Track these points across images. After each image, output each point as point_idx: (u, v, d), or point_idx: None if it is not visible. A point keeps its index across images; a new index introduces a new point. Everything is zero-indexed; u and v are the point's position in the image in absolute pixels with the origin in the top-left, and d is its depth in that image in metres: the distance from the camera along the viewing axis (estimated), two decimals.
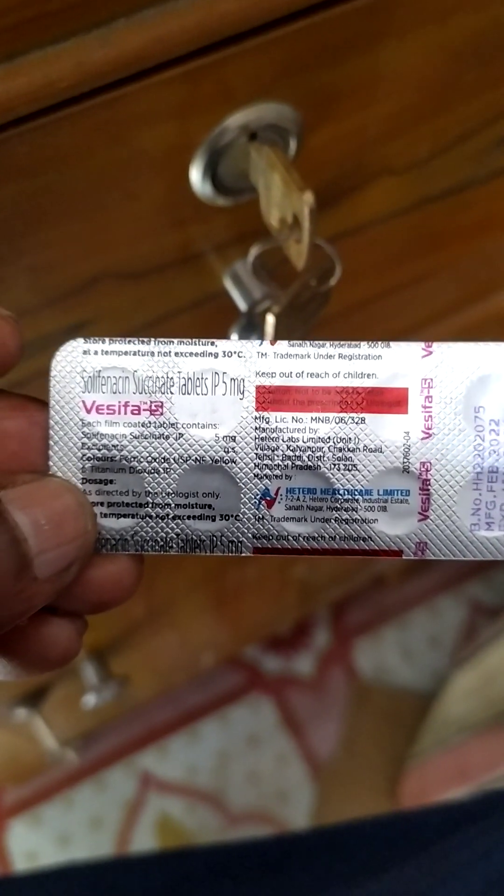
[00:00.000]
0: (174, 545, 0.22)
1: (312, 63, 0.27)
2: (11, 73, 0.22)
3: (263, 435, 0.22)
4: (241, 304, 0.32)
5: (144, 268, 0.31)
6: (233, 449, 0.22)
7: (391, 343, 0.22)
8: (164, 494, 0.22)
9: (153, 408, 0.22)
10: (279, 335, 0.30)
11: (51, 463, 0.22)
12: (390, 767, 0.97)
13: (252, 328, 0.32)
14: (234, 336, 0.32)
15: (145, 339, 0.22)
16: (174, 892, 0.47)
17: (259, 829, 0.96)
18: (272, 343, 0.22)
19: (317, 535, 0.22)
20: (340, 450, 0.22)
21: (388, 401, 0.22)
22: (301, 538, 0.22)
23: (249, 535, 0.22)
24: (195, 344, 0.22)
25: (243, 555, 0.22)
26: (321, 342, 0.22)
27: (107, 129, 0.25)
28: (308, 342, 0.22)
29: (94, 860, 0.50)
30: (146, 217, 0.29)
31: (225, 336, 0.33)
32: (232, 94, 0.26)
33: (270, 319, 0.30)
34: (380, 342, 0.22)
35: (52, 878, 0.49)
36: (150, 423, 0.22)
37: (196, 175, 0.28)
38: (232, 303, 0.33)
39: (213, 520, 0.22)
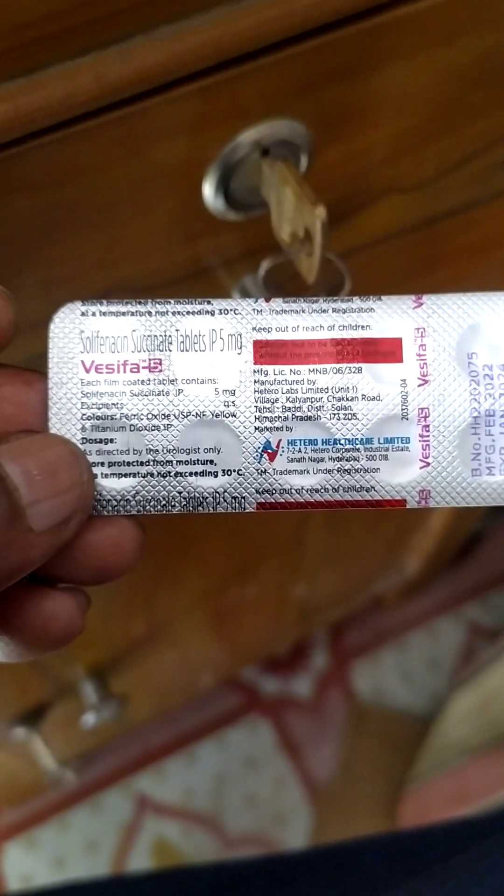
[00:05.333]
0: (177, 504, 0.22)
1: (324, 81, 0.27)
2: (32, 86, 0.22)
3: (262, 388, 0.22)
4: None
5: (156, 282, 0.32)
6: (233, 403, 0.22)
7: (382, 296, 0.23)
8: (165, 451, 0.22)
9: (152, 365, 0.22)
10: None
11: (50, 424, 0.22)
12: (389, 790, 0.96)
13: None
14: None
15: (142, 301, 0.22)
16: None
17: (256, 853, 0.95)
18: (266, 301, 0.22)
19: (320, 487, 0.22)
20: (339, 399, 0.22)
21: (383, 350, 0.22)
22: (304, 491, 0.22)
23: (252, 489, 0.22)
24: (192, 303, 0.22)
25: (247, 511, 0.22)
26: (314, 297, 0.22)
27: (123, 143, 0.25)
28: (301, 298, 0.22)
29: (93, 879, 0.50)
30: (159, 231, 0.29)
31: None
32: (245, 110, 0.27)
33: None
34: (371, 296, 0.22)
35: None
36: (149, 380, 0.22)
37: (209, 190, 0.28)
38: None
39: (216, 476, 0.22)
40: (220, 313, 0.22)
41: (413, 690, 1.03)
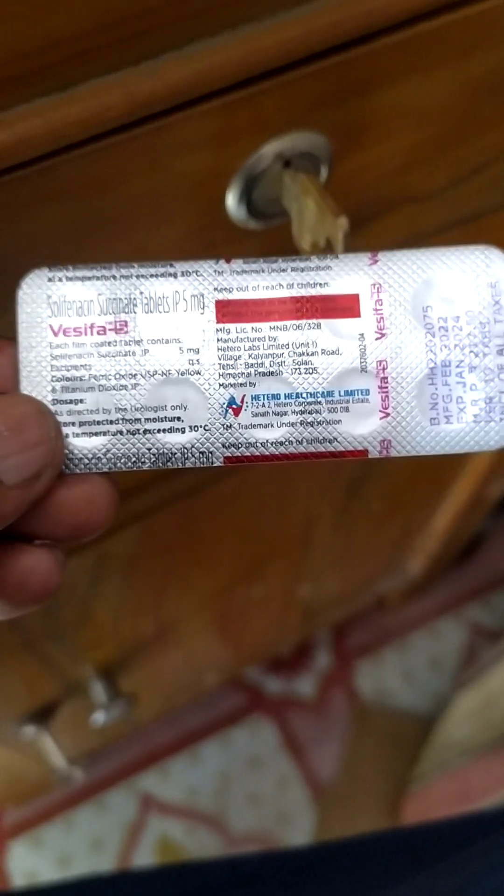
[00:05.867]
0: (146, 460, 0.23)
1: (344, 95, 0.28)
2: (65, 102, 0.23)
3: (225, 346, 0.23)
4: None
5: None
6: (197, 361, 0.23)
7: (339, 255, 0.24)
8: (133, 410, 0.23)
9: (118, 327, 0.23)
10: None
11: (21, 387, 0.23)
12: (391, 790, 0.97)
13: None
14: None
15: (107, 265, 0.23)
16: None
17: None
18: (227, 262, 0.23)
19: (284, 440, 0.23)
20: (300, 354, 0.23)
21: (340, 306, 0.23)
22: (269, 444, 0.23)
23: (219, 444, 0.23)
24: (155, 266, 0.23)
25: (215, 465, 0.23)
26: (273, 258, 0.24)
27: (149, 156, 0.26)
28: (262, 258, 0.24)
29: (99, 874, 0.50)
30: (182, 239, 0.30)
31: None
32: (268, 123, 0.27)
33: None
34: (328, 254, 0.24)
35: (60, 892, 0.49)
36: (116, 341, 0.23)
37: (232, 200, 0.29)
38: None
39: (183, 432, 0.23)
40: (183, 275, 0.23)
41: (415, 691, 1.04)
